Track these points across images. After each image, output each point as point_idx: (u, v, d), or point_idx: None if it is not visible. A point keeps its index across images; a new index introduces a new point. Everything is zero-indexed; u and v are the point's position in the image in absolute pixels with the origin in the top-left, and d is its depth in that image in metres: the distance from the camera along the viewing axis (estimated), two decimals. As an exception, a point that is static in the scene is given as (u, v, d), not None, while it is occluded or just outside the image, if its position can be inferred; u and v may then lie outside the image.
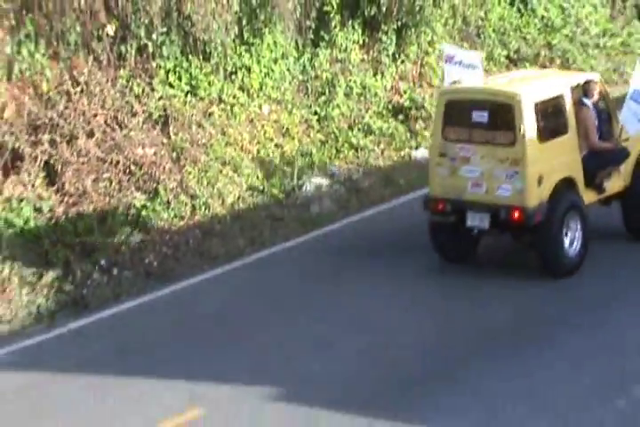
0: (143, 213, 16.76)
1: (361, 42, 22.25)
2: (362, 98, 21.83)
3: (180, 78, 18.74)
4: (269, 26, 20.16)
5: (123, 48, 17.90)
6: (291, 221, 17.79)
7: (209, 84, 19.11)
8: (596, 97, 15.71)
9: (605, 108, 16.05)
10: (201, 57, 18.96)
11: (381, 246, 16.58)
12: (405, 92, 22.72)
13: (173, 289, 15.24)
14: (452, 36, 24.32)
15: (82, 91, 17.32)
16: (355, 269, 15.62)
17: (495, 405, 11.26)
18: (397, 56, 22.95)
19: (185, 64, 18.82)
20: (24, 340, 13.41)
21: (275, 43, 20.36)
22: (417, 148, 21.25)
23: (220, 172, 18.29)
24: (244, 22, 19.74)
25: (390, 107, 22.26)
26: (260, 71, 20.06)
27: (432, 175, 15.50)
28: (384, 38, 22.48)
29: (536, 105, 14.76)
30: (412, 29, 22.85)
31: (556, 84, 15.74)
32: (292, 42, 20.76)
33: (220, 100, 19.29)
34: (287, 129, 20.15)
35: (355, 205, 18.63)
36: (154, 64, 18.34)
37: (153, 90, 18.29)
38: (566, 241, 15.07)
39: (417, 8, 22.28)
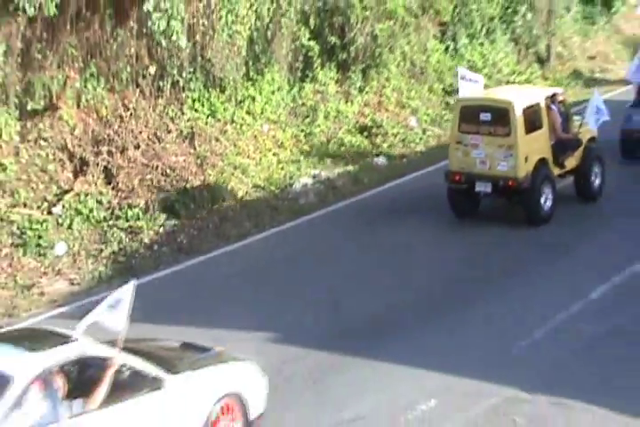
0: (176, 204, 16.63)
1: (336, 78, 22.11)
2: (336, 119, 21.69)
3: (202, 105, 18.63)
4: (269, 66, 20.03)
5: (161, 83, 17.77)
6: (284, 210, 17.61)
7: (224, 109, 19.00)
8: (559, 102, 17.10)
9: (565, 111, 17.38)
10: (218, 89, 18.84)
11: (354, 227, 16.54)
12: (368, 115, 22.56)
13: (200, 260, 15.15)
14: (402, 74, 24.15)
15: (131, 114, 17.30)
16: (334, 243, 15.60)
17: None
18: (362, 89, 22.78)
19: (206, 95, 18.71)
20: (90, 297, 13.30)
21: (272, 79, 20.22)
22: (377, 155, 20.96)
23: (232, 174, 18.14)
24: (250, 63, 19.60)
25: (357, 126, 22.10)
26: (262, 100, 19.94)
27: (451, 156, 16.58)
28: (353, 76, 22.35)
29: (523, 109, 15.98)
30: (374, 69, 22.72)
31: (535, 94, 17.05)
32: (285, 78, 20.63)
33: (233, 121, 19.16)
34: (282, 142, 20.01)
35: (331, 198, 18.42)
36: (183, 95, 18.23)
37: (183, 113, 18.20)
38: (542, 200, 16.23)
39: (377, 54, 22.19)
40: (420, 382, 10.53)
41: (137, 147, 17.04)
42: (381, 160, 20.68)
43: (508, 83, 27.05)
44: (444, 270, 14.16)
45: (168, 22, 16.88)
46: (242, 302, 12.94)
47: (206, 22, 18.05)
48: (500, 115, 15.97)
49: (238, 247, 15.74)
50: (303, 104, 21.07)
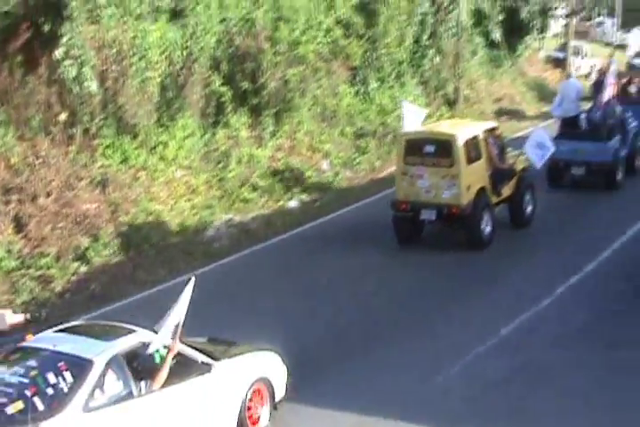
0: (88, 252, 16.53)
1: (248, 123, 22.26)
2: (249, 164, 21.76)
3: (115, 152, 18.61)
4: (181, 112, 20.12)
5: (72, 130, 17.74)
6: (199, 255, 17.62)
7: (136, 155, 18.99)
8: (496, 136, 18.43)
9: (501, 143, 18.59)
10: (130, 136, 18.84)
11: (267, 271, 16.69)
12: (281, 160, 22.76)
13: (113, 307, 15.01)
14: (314, 118, 24.49)
15: (42, 162, 17.18)
16: (248, 286, 15.67)
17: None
18: (275, 133, 22.98)
19: (118, 141, 18.68)
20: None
21: (185, 124, 20.33)
22: (290, 199, 21.19)
23: (146, 220, 18.12)
24: (163, 109, 19.68)
25: (270, 170, 22.21)
26: (174, 146, 19.98)
27: (398, 186, 17.65)
28: (265, 120, 22.53)
29: (465, 141, 17.15)
30: (285, 114, 22.94)
31: (474, 128, 18.30)
32: (197, 124, 20.75)
33: (145, 168, 19.15)
34: (195, 188, 20.03)
35: (245, 242, 18.49)
36: (95, 142, 18.20)
37: (95, 161, 18.15)
38: (483, 226, 17.38)
39: (288, 98, 22.40)
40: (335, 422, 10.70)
41: (48, 195, 16.92)
42: (294, 204, 20.93)
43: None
44: (361, 309, 14.40)
45: (79, 69, 17.01)
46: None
47: (118, 69, 18.20)
48: (444, 147, 17.09)
49: (152, 293, 15.65)
50: (216, 149, 21.14)
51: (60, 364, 8.96)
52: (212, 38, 20.57)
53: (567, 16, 46.41)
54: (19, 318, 10.49)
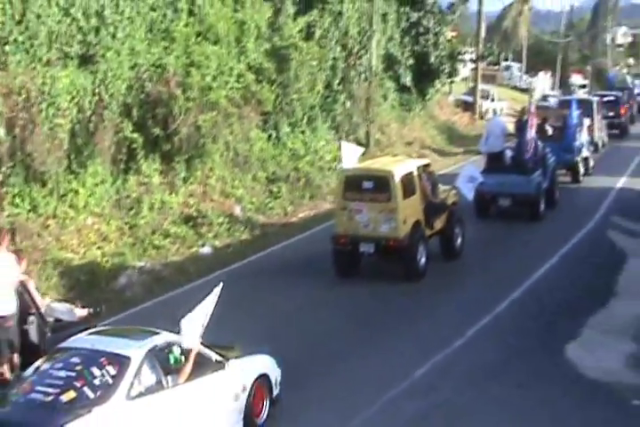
0: (-4, 303, 16.26)
1: (160, 169, 22.21)
2: (161, 210, 21.69)
3: (23, 200, 18.33)
4: (91, 159, 19.97)
5: (-23, 179, 17.50)
6: (111, 302, 17.41)
7: (46, 203, 18.74)
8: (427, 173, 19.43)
9: (433, 179, 19.56)
10: (39, 183, 18.62)
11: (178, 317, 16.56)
12: (193, 206, 22.73)
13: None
14: (226, 164, 24.58)
15: (-53, 212, 16.89)
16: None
17: None
18: (187, 179, 23.01)
19: (27, 189, 18.43)
20: None
21: (96, 171, 20.15)
22: (203, 245, 21.15)
23: (56, 269, 17.86)
24: (73, 156, 19.50)
25: (182, 216, 22.17)
26: (85, 193, 19.80)
27: (337, 221, 18.52)
28: (177, 166, 22.57)
29: (401, 177, 18.05)
30: (197, 159, 23.03)
31: (410, 164, 19.29)
32: (108, 170, 20.59)
33: (55, 216, 18.92)
34: (106, 235, 19.86)
35: (158, 289, 18.39)
36: (3, 190, 17.91)
37: (3, 209, 17.83)
38: (418, 257, 18.27)
39: (200, 144, 22.44)
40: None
41: (-47, 244, 16.58)
42: (207, 250, 20.91)
43: (329, 169, 28.04)
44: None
45: (-14, 116, 16.84)
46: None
47: (26, 115, 17.99)
48: (381, 183, 17.98)
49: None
50: (127, 196, 21.03)
51: (101, 360, 10.41)
52: (123, 84, 20.54)
53: (475, 60, 47.71)
54: (84, 312, 13.17)
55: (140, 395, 10.23)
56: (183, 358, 10.92)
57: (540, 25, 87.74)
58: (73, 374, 10.23)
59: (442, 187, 20.02)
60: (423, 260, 18.37)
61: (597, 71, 77.65)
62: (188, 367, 10.82)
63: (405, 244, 17.91)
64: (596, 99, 37.37)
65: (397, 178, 17.90)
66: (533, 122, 24.34)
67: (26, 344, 12.29)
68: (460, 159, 34.61)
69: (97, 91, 19.67)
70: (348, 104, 31.66)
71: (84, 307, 13.42)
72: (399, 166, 18.72)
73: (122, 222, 20.57)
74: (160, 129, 21.57)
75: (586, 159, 30.52)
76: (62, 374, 10.30)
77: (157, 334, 11.15)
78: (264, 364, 12.24)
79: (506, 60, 79.68)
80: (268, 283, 18.32)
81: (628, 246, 21.36)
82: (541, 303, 17.12)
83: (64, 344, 11.02)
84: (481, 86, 48.77)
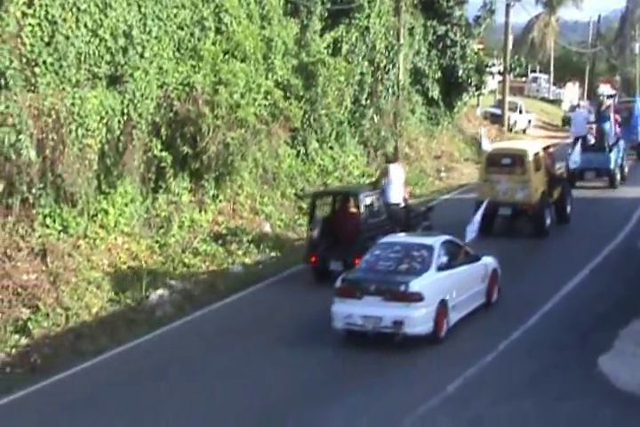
0: (29, 323, 16.33)
1: (189, 187, 22.29)
2: (191, 229, 21.80)
3: (54, 221, 18.42)
4: (121, 178, 20.07)
5: (9, 200, 17.52)
6: (141, 322, 17.51)
7: (76, 224, 18.83)
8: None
9: (553, 158, 25.24)
10: (70, 204, 18.69)
11: (212, 336, 16.62)
12: (223, 223, 22.80)
13: (57, 379, 14.74)
14: (255, 181, 24.63)
15: (-22, 235, 16.98)
16: (192, 354, 15.47)
17: None
18: (216, 197, 23.07)
19: (58, 210, 18.52)
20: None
21: (125, 191, 20.25)
22: (233, 263, 21.16)
23: (87, 289, 17.97)
24: (102, 177, 19.61)
25: (212, 234, 22.24)
26: (115, 212, 19.90)
27: (480, 190, 23.20)
28: (206, 184, 22.63)
29: (532, 155, 22.83)
30: (227, 177, 23.05)
31: (537, 145, 25.53)
32: (138, 190, 20.68)
33: (85, 236, 19.02)
34: (136, 254, 19.94)
35: (189, 308, 18.40)
36: (34, 211, 18.02)
37: (34, 230, 17.95)
38: (546, 219, 23.11)
39: (229, 162, 22.44)
40: None
41: (-14, 267, 16.73)
42: (237, 267, 20.90)
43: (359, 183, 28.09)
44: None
45: (17, 136, 16.94)
46: (106, 421, 12.77)
47: (56, 137, 18.09)
48: (518, 159, 22.81)
49: (95, 363, 15.47)
50: (157, 215, 21.13)
51: (415, 247, 16.24)
52: (152, 103, 20.62)
53: (502, 73, 47.52)
54: (423, 208, 22.89)
55: (441, 269, 15.87)
56: (459, 249, 16.88)
57: (567, 36, 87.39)
58: (400, 255, 16.04)
59: (558, 164, 25.52)
60: (549, 221, 23.12)
61: (626, 81, 77.21)
62: (462, 255, 16.76)
63: (537, 208, 22.65)
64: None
65: (530, 156, 22.67)
66: (611, 112, 30.84)
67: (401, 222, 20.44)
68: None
69: (126, 110, 19.75)
70: (376, 119, 31.67)
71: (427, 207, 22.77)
72: (530, 146, 23.99)
73: (152, 241, 20.67)
74: (189, 147, 21.59)
75: None
76: (393, 255, 16.09)
77: (444, 234, 17.04)
78: (495, 262, 17.77)
79: (533, 71, 79.36)
80: (293, 304, 18.22)
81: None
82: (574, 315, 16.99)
83: (385, 240, 16.94)
84: (509, 98, 48.61)
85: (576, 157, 26.93)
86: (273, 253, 22.26)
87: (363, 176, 28.83)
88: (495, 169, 22.82)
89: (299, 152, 27.20)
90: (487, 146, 23.51)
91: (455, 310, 15.95)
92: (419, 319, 15.01)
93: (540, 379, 13.79)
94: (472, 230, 18.34)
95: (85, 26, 18.79)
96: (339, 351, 15.42)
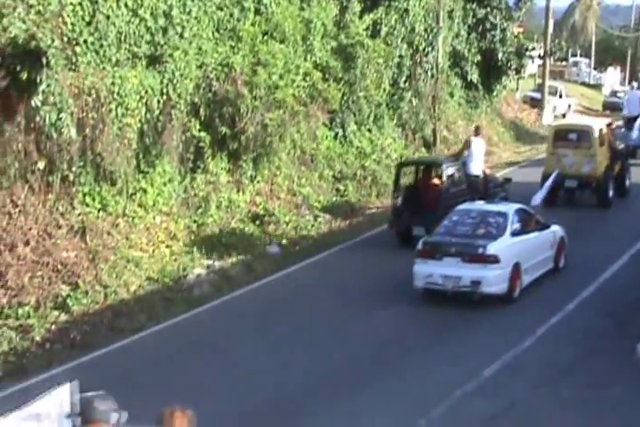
0: (68, 300, 16.47)
1: (227, 168, 22.30)
2: (229, 209, 21.83)
3: (93, 199, 18.53)
4: (159, 158, 20.11)
5: (50, 178, 17.63)
6: (179, 301, 17.60)
7: (115, 202, 18.92)
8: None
9: (614, 134, 27.23)
10: (109, 183, 18.80)
11: (249, 316, 16.69)
12: (260, 204, 22.84)
13: (95, 355, 14.89)
14: (293, 162, 24.61)
15: (20, 211, 17.06)
16: (230, 333, 15.57)
17: None
18: (254, 178, 23.08)
19: (97, 188, 18.63)
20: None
21: (164, 170, 20.30)
22: (270, 244, 21.18)
23: (125, 267, 18.07)
24: (141, 156, 19.67)
25: (250, 215, 22.28)
26: (153, 192, 19.95)
27: (547, 162, 24.63)
28: (244, 165, 22.63)
29: (598, 131, 24.46)
30: (264, 158, 23.03)
31: (601, 122, 27.23)
32: (176, 169, 20.72)
33: (124, 214, 19.08)
34: (174, 234, 20.01)
35: (226, 288, 18.47)
36: (74, 189, 18.12)
37: (73, 208, 18.05)
38: (610, 190, 24.44)
39: (267, 142, 22.44)
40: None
41: (26, 243, 16.83)
42: (274, 248, 20.94)
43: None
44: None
45: (58, 116, 17.02)
46: (142, 398, 12.80)
47: (96, 115, 18.19)
48: (584, 134, 24.26)
49: (133, 341, 15.61)
50: (195, 195, 21.17)
51: (490, 214, 17.50)
52: (191, 84, 20.64)
53: (542, 57, 47.06)
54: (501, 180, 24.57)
55: (514, 234, 17.04)
56: (530, 217, 18.09)
57: (608, 20, 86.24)
58: (477, 221, 17.32)
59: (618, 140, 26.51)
60: (611, 193, 24.40)
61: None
62: (533, 223, 17.91)
63: (601, 180, 23.99)
64: None
65: (596, 131, 24.19)
66: None
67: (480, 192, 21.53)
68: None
69: (165, 90, 19.80)
70: (415, 102, 31.48)
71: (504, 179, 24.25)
72: (595, 123, 25.99)
73: (190, 221, 20.72)
74: (227, 128, 21.61)
75: None
76: (470, 221, 17.35)
77: (514, 204, 18.55)
78: (562, 231, 18.77)
79: (574, 55, 78.54)
80: (327, 287, 18.36)
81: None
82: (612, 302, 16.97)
83: (462, 207, 18.12)
84: (549, 82, 48.13)
85: (636, 133, 29.33)
86: (310, 235, 22.24)
87: (401, 159, 28.67)
88: (562, 143, 24.16)
89: (337, 134, 27.10)
90: (547, 120, 26.75)
91: (527, 273, 17.21)
92: (495, 279, 16.36)
93: (577, 365, 13.87)
94: (539, 197, 20.09)
95: (126, 5, 18.82)
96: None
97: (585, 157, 23.85)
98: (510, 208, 17.83)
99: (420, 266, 16.77)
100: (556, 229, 18.64)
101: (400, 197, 21.08)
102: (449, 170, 21.21)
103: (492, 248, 16.47)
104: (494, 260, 16.39)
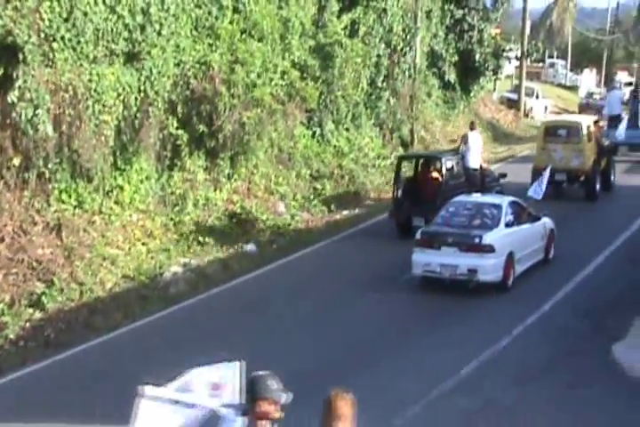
0: (43, 298, 16.34)
1: (204, 166, 22.22)
2: (206, 207, 21.77)
3: (70, 196, 18.41)
4: (137, 155, 20.01)
5: (26, 175, 17.50)
6: (155, 299, 17.52)
7: (92, 199, 18.81)
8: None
9: (601, 131, 28.57)
10: (85, 180, 18.68)
11: (225, 314, 16.58)
12: (237, 202, 22.77)
13: (69, 354, 14.81)
14: (270, 161, 24.56)
15: (-6, 208, 16.95)
16: (205, 331, 15.41)
17: None
18: (231, 176, 23.01)
19: (73, 185, 18.51)
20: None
21: (141, 168, 20.20)
22: (247, 242, 21.09)
23: (101, 265, 17.96)
24: (118, 153, 19.54)
25: (227, 213, 22.22)
26: (130, 189, 19.85)
27: (538, 157, 25.61)
28: (221, 163, 22.55)
29: (586, 126, 25.59)
30: (242, 156, 23.00)
31: (588, 119, 28.33)
32: (153, 167, 20.63)
33: (101, 212, 18.99)
34: (151, 231, 19.92)
35: (202, 286, 18.38)
36: (50, 186, 18.00)
37: (49, 205, 17.93)
38: (596, 184, 25.50)
39: (245, 141, 22.36)
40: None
41: (1, 240, 16.70)
42: (251, 247, 20.88)
43: (374, 166, 27.97)
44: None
45: (34, 111, 16.90)
46: (114, 397, 12.74)
47: (72, 112, 18.04)
48: (573, 130, 25.42)
49: (109, 339, 15.51)
50: (172, 193, 21.09)
51: (485, 206, 18.23)
52: (168, 81, 20.53)
53: (519, 58, 47.23)
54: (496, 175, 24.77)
55: (508, 225, 17.68)
56: (523, 210, 18.55)
57: (585, 22, 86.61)
58: (472, 212, 17.89)
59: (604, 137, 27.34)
60: (598, 186, 25.48)
61: (644, 68, 76.56)
62: (525, 215, 18.43)
63: (589, 174, 24.98)
64: None
65: (584, 127, 25.34)
66: None
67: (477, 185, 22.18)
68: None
69: (142, 88, 19.67)
70: (392, 101, 31.51)
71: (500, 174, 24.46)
72: (583, 119, 27.16)
73: (167, 219, 20.64)
74: (205, 126, 21.49)
75: None
76: (466, 212, 17.94)
77: (507, 196, 19.12)
78: (552, 223, 19.39)
79: (550, 57, 78.87)
80: (305, 284, 18.35)
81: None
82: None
83: (457, 199, 18.69)
84: (525, 84, 48.33)
85: (621, 131, 30.40)
86: (287, 234, 22.18)
87: (378, 158, 28.71)
88: (552, 139, 25.34)
89: (314, 133, 27.08)
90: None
91: (520, 262, 17.88)
92: (490, 268, 17.01)
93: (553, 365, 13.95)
94: (538, 191, 20.38)
95: (104, 2, 18.64)
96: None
97: (574, 152, 24.83)
98: (504, 200, 18.47)
99: (418, 255, 17.40)
100: (546, 221, 19.26)
101: (400, 188, 21.73)
102: (448, 163, 21.85)
103: (488, 238, 17.07)
104: (490, 249, 17.01)
